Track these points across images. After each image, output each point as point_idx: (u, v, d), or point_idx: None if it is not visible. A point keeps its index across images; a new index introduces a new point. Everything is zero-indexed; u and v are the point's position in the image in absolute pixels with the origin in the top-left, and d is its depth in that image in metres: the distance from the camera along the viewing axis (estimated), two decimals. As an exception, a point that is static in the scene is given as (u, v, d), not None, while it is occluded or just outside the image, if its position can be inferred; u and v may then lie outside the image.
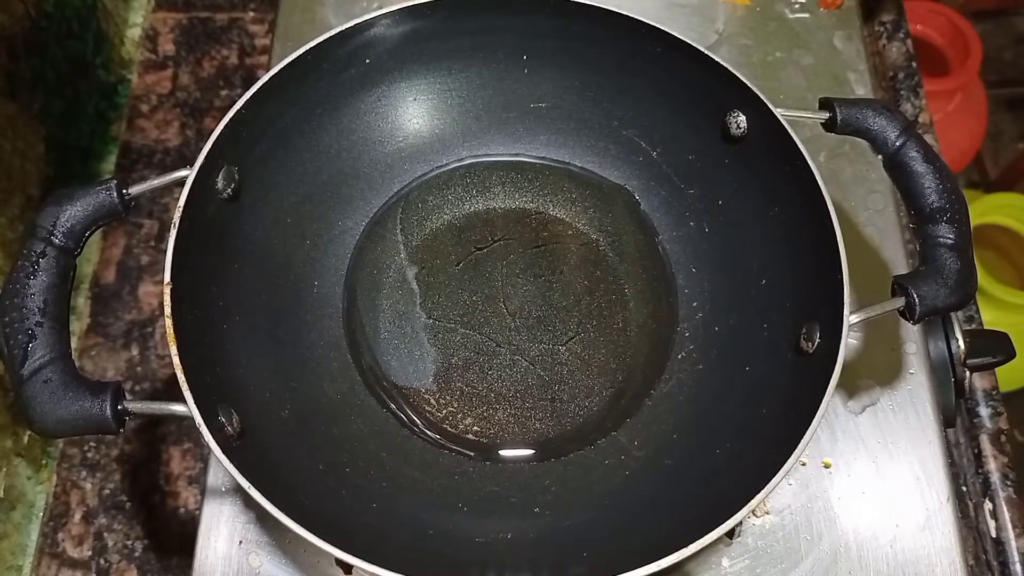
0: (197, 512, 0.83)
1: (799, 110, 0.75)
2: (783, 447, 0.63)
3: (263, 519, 0.81)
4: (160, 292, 1.03)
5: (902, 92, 1.08)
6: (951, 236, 0.69)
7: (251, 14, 1.22)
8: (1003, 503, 0.85)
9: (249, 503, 0.81)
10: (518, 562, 0.70)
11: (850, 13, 1.06)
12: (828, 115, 0.74)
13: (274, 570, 0.79)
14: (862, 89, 1.01)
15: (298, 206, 0.85)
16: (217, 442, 0.61)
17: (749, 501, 0.60)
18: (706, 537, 0.59)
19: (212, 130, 0.73)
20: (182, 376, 0.63)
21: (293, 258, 0.84)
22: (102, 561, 0.92)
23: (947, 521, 0.80)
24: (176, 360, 0.64)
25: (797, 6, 1.06)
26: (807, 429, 0.62)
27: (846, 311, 0.66)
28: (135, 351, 1.01)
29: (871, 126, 0.74)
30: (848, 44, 1.04)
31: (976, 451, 0.88)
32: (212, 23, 1.21)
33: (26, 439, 0.93)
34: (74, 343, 1.02)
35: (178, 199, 0.69)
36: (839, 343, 0.65)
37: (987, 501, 0.86)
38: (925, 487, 0.82)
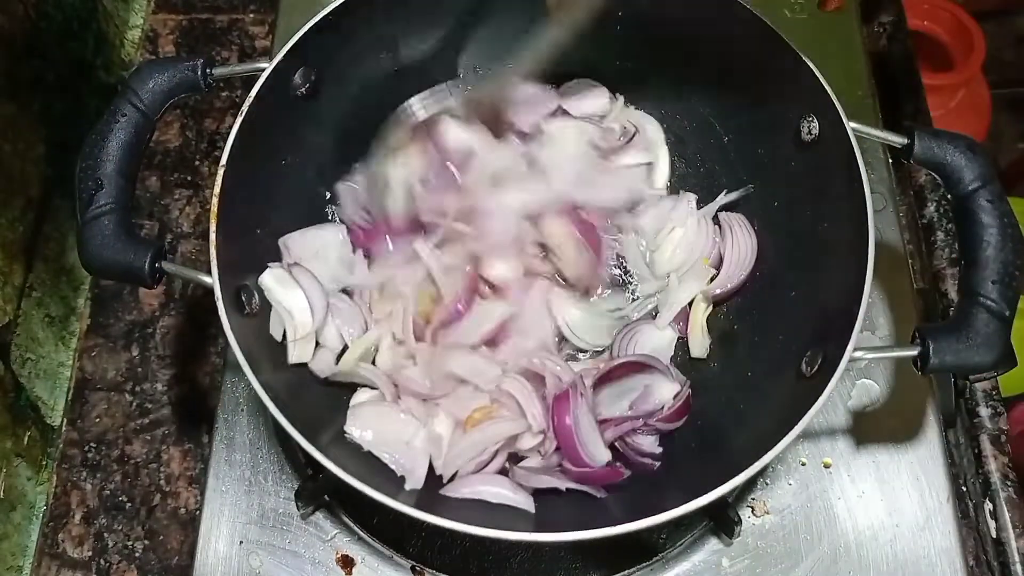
0: (197, 512, 0.83)
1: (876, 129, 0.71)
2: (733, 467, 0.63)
3: (263, 520, 0.81)
4: (158, 294, 1.04)
5: (901, 92, 1.07)
6: (994, 298, 0.63)
7: (251, 15, 1.22)
8: (1003, 503, 0.85)
9: (250, 493, 0.82)
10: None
11: (850, 14, 1.06)
12: (905, 141, 0.69)
13: (274, 570, 0.79)
14: (862, 89, 1.01)
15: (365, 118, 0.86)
16: (228, 312, 0.66)
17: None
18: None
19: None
20: (214, 253, 0.68)
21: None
22: (102, 561, 0.92)
23: (947, 521, 0.80)
24: (212, 237, 0.68)
25: (797, 7, 1.06)
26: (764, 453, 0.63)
27: (850, 347, 0.64)
28: (135, 352, 1.01)
29: (948, 162, 0.68)
30: (848, 44, 1.04)
31: (976, 451, 0.88)
32: (212, 24, 1.21)
33: (26, 440, 0.93)
34: (74, 343, 1.02)
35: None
36: (832, 375, 0.64)
37: (987, 501, 0.86)
38: (925, 487, 0.82)
